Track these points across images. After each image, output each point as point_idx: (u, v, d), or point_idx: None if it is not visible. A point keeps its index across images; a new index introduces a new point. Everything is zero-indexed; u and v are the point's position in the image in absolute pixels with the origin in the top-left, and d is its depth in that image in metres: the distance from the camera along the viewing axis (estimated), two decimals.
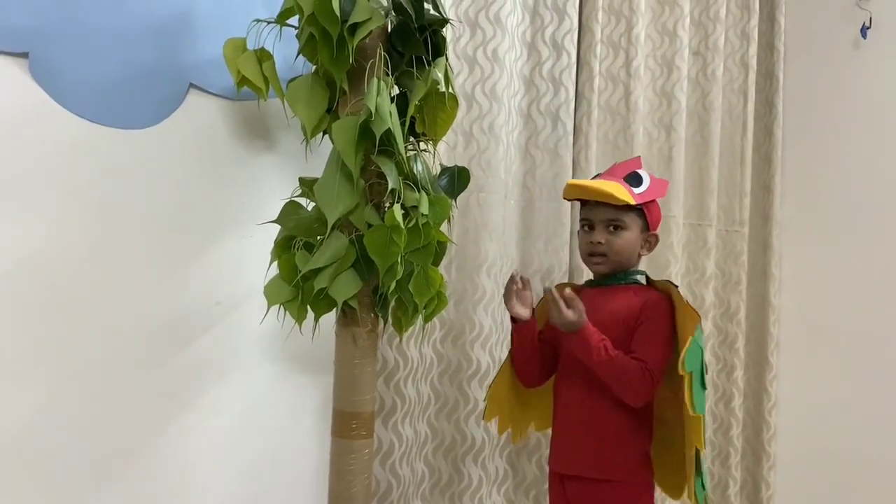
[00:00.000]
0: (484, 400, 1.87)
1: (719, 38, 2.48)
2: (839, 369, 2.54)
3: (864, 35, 2.50)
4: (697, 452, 1.54)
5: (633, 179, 1.71)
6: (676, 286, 1.67)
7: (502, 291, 1.99)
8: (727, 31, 2.55)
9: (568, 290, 1.59)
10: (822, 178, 2.62)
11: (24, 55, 1.28)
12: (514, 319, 1.72)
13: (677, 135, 2.35)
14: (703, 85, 2.48)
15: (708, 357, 2.48)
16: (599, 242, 1.70)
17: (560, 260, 2.12)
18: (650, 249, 1.76)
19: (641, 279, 1.74)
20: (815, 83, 2.64)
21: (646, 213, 1.71)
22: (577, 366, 1.66)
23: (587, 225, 1.74)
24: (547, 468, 1.82)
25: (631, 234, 1.70)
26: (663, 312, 1.64)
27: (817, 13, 2.63)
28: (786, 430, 2.64)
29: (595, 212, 1.72)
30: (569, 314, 1.56)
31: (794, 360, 2.62)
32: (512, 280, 1.72)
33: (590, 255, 1.74)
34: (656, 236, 1.75)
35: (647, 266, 2.28)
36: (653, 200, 1.72)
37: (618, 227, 1.69)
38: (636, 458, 1.66)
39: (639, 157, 1.92)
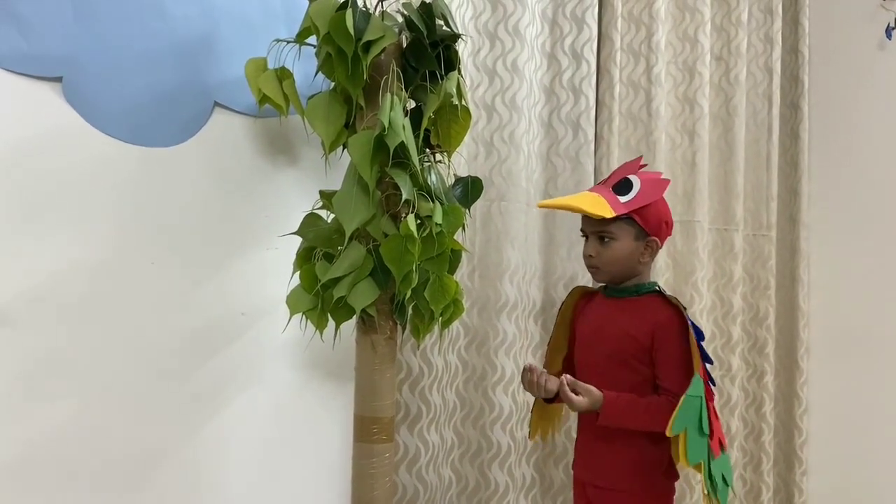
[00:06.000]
0: (529, 425, 1.93)
1: (742, 43, 2.47)
2: (870, 373, 2.51)
3: (888, 36, 2.48)
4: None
5: (623, 187, 1.66)
6: (685, 308, 1.63)
7: (525, 299, 2.04)
8: (750, 35, 2.54)
9: (567, 377, 1.58)
10: (849, 180, 2.59)
11: (59, 79, 1.36)
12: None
13: (701, 140, 2.35)
14: (726, 90, 2.47)
15: (737, 363, 2.47)
16: (591, 255, 1.69)
17: (583, 267, 2.12)
18: (652, 255, 1.70)
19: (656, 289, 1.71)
20: (841, 85, 2.62)
21: (638, 221, 1.65)
22: (588, 374, 1.67)
23: (583, 235, 1.74)
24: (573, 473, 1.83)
25: (621, 245, 1.65)
26: (675, 332, 1.60)
27: (841, 15, 2.61)
28: (818, 435, 2.61)
29: (585, 223, 1.71)
30: (582, 402, 1.57)
31: (825, 365, 2.60)
32: (527, 372, 1.67)
33: (587, 266, 1.74)
34: (657, 241, 1.68)
35: (674, 272, 2.29)
36: (647, 205, 1.64)
37: (606, 238, 1.66)
38: (645, 468, 1.64)
39: (639, 157, 1.79)
